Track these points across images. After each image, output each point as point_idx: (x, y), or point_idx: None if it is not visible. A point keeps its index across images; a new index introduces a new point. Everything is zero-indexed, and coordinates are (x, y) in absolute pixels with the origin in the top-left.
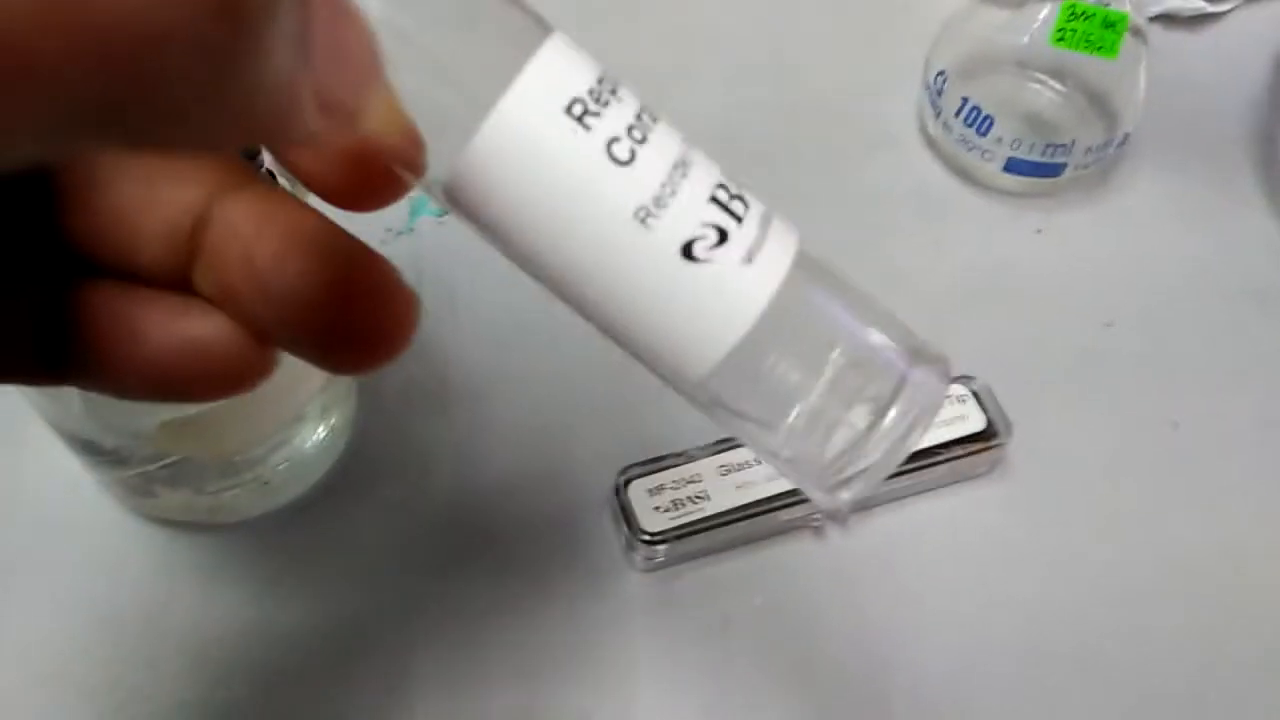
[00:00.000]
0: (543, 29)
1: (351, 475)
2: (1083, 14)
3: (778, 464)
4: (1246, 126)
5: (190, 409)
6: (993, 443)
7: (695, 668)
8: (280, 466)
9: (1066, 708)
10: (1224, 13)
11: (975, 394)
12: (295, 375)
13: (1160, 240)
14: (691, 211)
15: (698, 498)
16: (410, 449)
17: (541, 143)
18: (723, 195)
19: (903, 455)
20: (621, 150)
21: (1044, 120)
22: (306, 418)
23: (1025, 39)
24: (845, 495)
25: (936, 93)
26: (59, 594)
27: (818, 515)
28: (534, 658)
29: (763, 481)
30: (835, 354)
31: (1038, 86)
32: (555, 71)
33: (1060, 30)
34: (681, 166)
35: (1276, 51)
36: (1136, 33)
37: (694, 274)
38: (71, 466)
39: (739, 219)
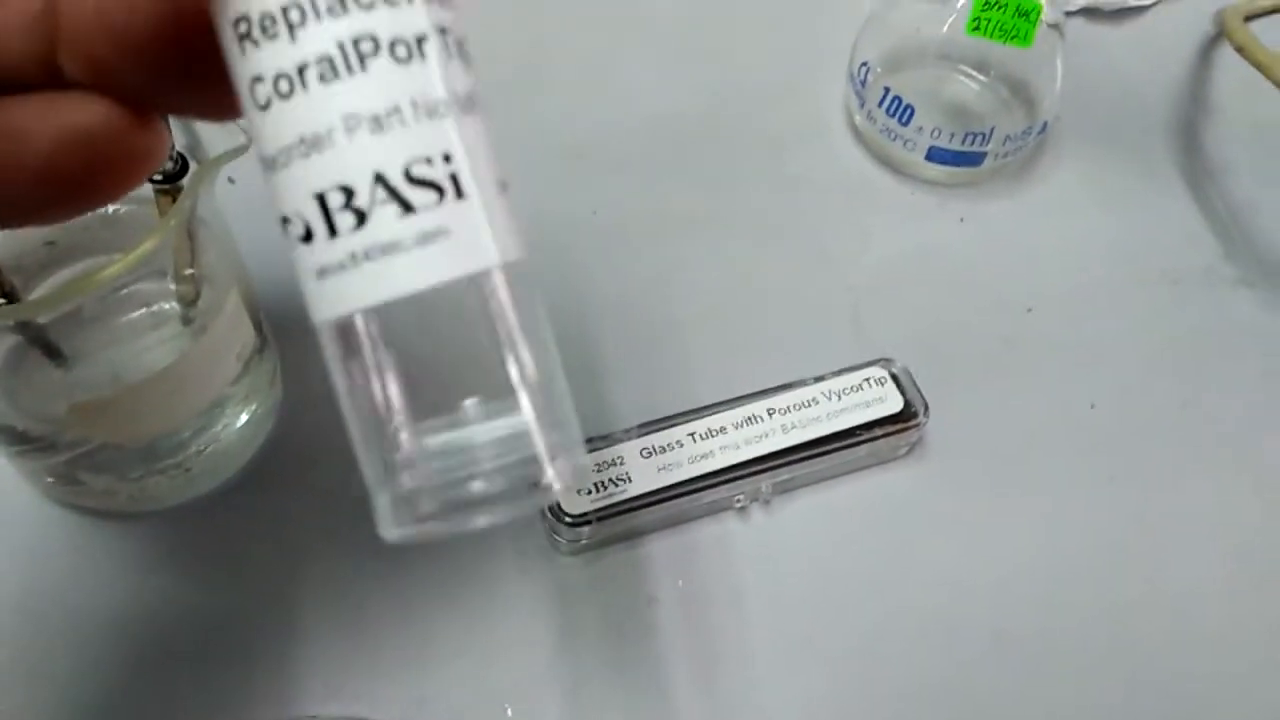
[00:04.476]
0: None
1: (276, 461)
2: (997, 3)
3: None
4: (1167, 117)
5: (100, 392)
6: (910, 424)
7: (620, 649)
8: (202, 453)
9: (985, 685)
10: (1147, 6)
11: (894, 376)
12: (208, 361)
13: (1080, 229)
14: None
15: (620, 480)
16: (336, 434)
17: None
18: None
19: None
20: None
21: (966, 110)
22: (227, 404)
23: (945, 30)
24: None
25: (861, 83)
26: None
27: (740, 496)
28: (459, 641)
29: (685, 464)
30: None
31: (960, 78)
32: None
33: (975, 19)
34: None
35: (1198, 44)
36: (1053, 25)
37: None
38: None
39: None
